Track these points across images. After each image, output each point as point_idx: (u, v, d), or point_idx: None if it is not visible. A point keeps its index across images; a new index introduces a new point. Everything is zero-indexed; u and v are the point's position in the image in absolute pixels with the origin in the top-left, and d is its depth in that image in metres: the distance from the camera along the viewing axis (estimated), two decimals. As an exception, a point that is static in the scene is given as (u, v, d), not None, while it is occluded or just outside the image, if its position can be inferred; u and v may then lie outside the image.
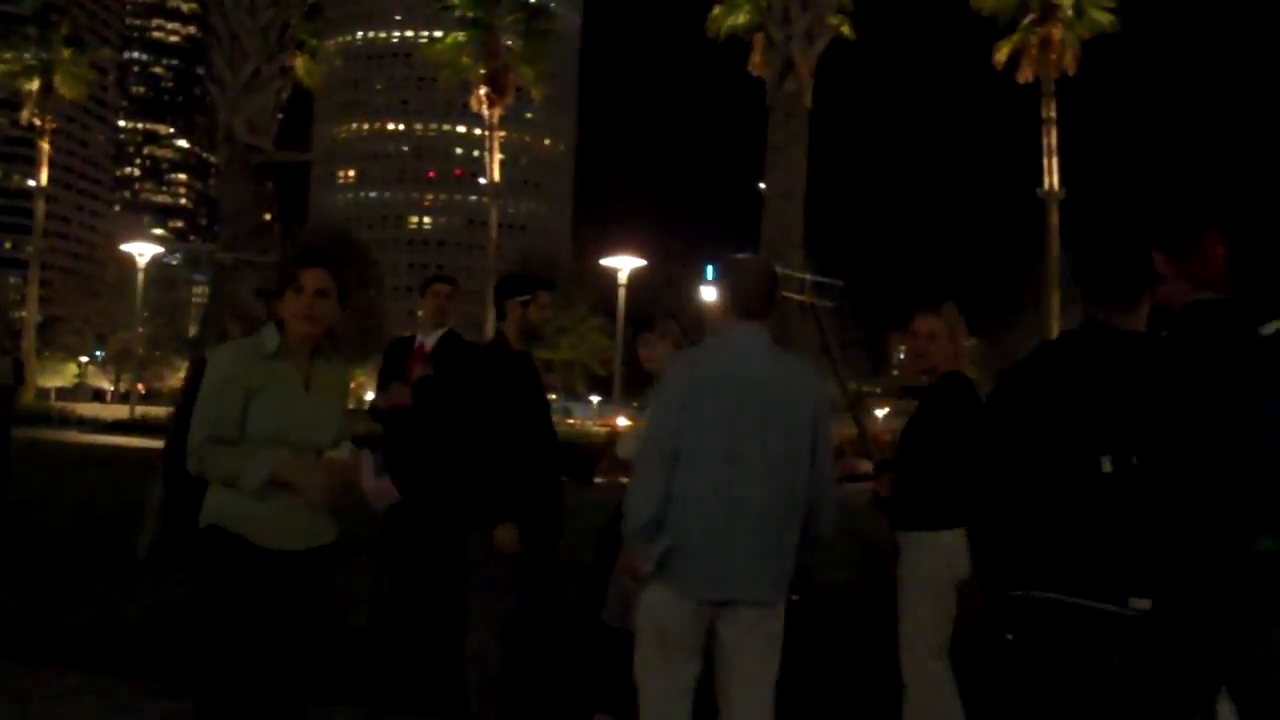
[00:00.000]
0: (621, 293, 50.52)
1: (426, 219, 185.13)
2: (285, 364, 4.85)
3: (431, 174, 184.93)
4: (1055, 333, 43.96)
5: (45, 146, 59.74)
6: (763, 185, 15.07)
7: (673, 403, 4.91)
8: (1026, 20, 43.04)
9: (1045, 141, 43.38)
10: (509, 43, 53.20)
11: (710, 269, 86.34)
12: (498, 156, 55.13)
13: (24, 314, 70.08)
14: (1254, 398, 4.16)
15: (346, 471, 4.87)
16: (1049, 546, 3.77)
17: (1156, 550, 3.71)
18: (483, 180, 72.09)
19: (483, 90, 53.25)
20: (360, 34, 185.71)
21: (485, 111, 54.24)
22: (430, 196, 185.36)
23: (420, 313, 7.78)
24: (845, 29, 21.09)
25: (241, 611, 4.66)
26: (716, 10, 29.95)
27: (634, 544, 4.95)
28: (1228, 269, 4.62)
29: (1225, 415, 3.99)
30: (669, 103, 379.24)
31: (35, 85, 57.38)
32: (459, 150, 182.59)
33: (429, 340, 7.63)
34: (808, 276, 14.69)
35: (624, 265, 49.74)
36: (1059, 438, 3.76)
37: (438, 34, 55.98)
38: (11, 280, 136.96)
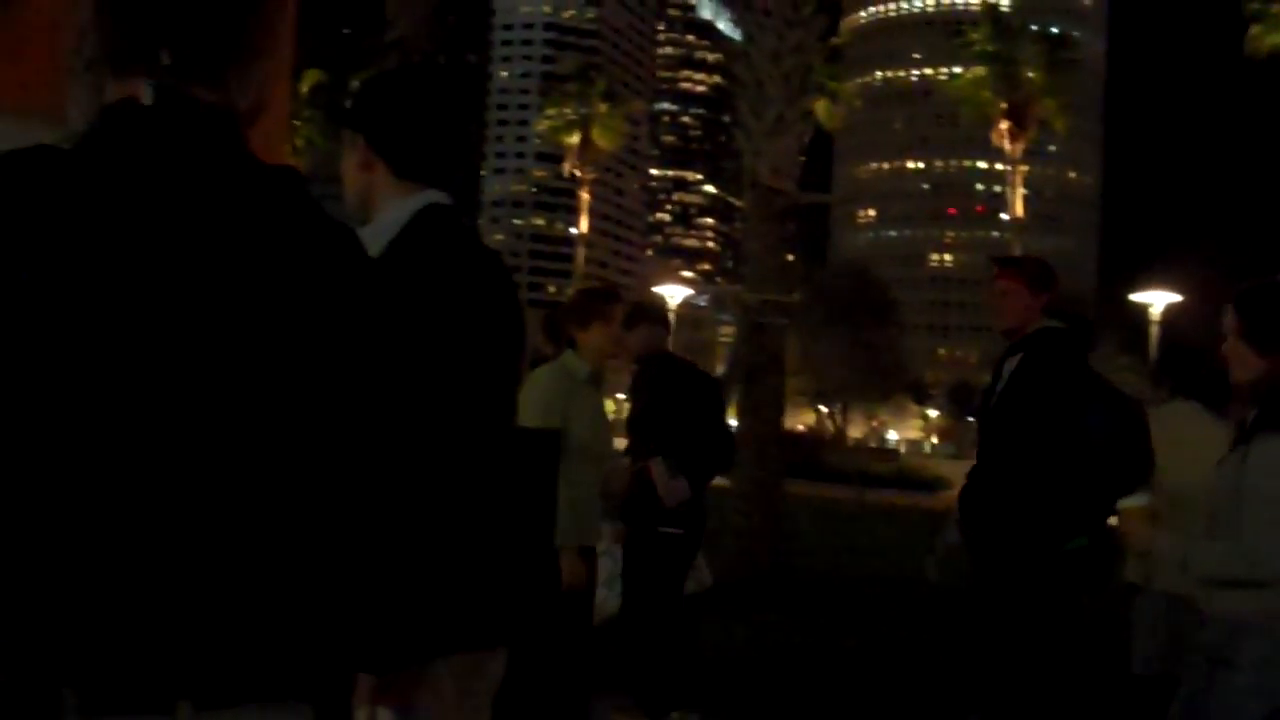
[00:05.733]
0: (1154, 329, 48.07)
1: (947, 256, 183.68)
2: None
3: (952, 211, 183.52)
4: None
5: (585, 196, 63.31)
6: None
7: None
8: None
9: None
10: (1030, 75, 52.07)
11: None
12: (1020, 191, 53.98)
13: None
14: (1086, 412, 5.22)
15: None
16: None
17: None
18: (1004, 216, 70.95)
19: (1004, 125, 52.32)
20: (879, 74, 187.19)
21: (1007, 146, 53.25)
22: (951, 234, 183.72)
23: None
24: None
25: None
26: (1255, 29, 28.32)
27: None
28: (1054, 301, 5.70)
29: (1060, 426, 5.15)
30: (1203, 127, 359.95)
31: (575, 138, 60.94)
32: (979, 186, 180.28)
33: None
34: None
35: (1156, 300, 47.18)
36: None
37: (957, 70, 55.47)
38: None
